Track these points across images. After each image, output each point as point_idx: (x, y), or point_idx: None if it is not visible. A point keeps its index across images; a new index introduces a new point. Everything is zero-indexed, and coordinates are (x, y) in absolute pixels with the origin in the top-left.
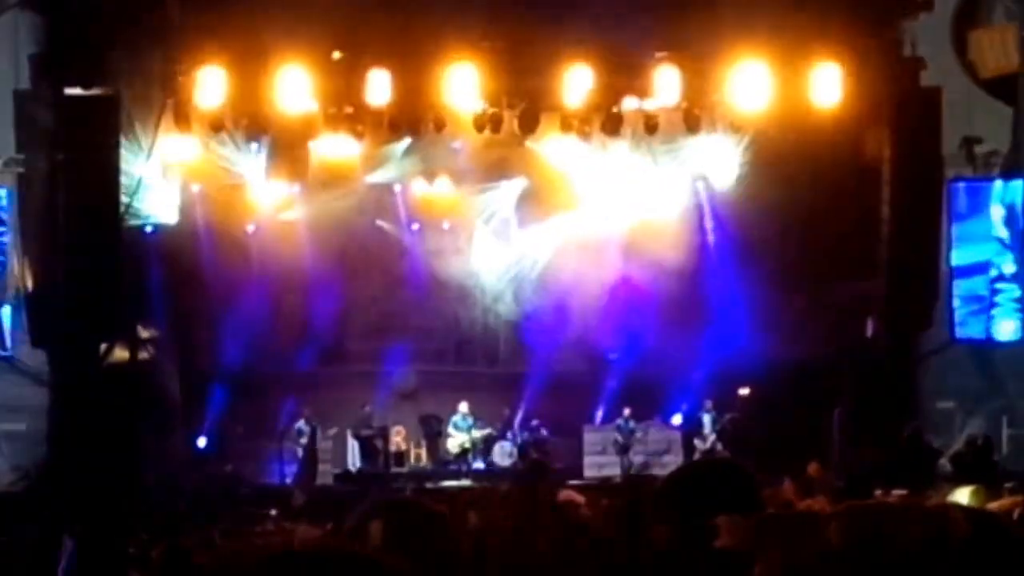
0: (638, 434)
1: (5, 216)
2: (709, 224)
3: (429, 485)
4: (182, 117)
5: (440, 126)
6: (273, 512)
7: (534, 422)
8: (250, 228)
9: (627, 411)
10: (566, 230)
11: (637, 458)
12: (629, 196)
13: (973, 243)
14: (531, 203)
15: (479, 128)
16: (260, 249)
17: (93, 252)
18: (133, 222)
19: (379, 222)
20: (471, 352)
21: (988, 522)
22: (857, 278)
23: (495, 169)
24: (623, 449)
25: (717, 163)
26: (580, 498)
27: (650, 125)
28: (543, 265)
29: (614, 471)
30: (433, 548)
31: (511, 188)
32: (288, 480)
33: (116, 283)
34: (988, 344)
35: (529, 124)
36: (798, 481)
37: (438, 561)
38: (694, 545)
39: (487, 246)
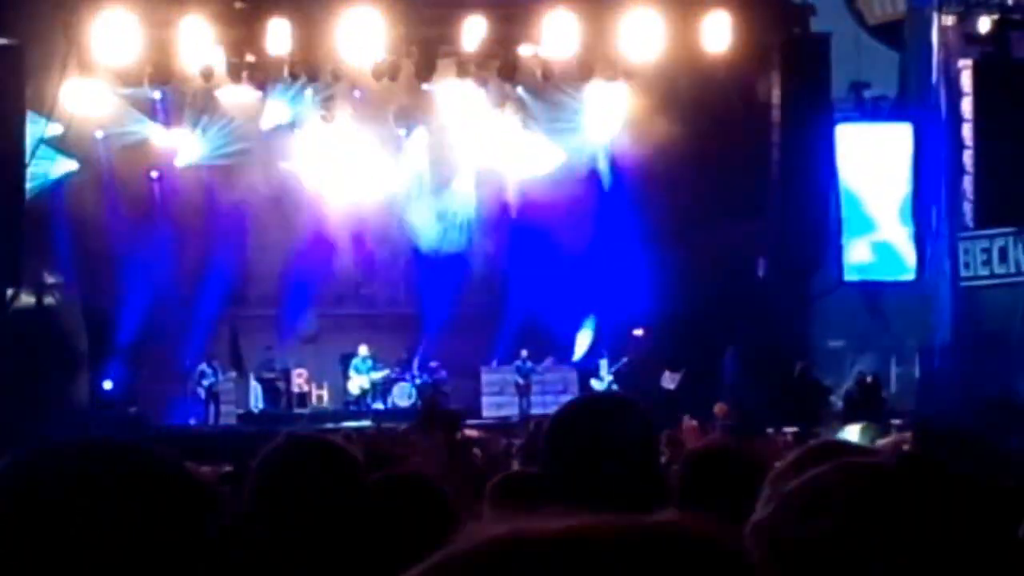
0: (535, 375)
1: None
2: (603, 168)
3: (330, 425)
4: (85, 65)
5: (339, 75)
6: None
7: (433, 363)
8: (154, 174)
9: (524, 352)
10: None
11: (536, 398)
12: (523, 143)
13: None
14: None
15: (377, 76)
16: (163, 194)
17: None
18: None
19: (282, 164)
20: (371, 294)
21: None
22: (748, 219)
23: (397, 117)
24: (524, 390)
25: (611, 110)
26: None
27: (546, 72)
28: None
29: (512, 411)
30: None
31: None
32: (192, 421)
33: (21, 230)
34: (877, 285)
35: (426, 72)
36: (700, 419)
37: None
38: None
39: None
